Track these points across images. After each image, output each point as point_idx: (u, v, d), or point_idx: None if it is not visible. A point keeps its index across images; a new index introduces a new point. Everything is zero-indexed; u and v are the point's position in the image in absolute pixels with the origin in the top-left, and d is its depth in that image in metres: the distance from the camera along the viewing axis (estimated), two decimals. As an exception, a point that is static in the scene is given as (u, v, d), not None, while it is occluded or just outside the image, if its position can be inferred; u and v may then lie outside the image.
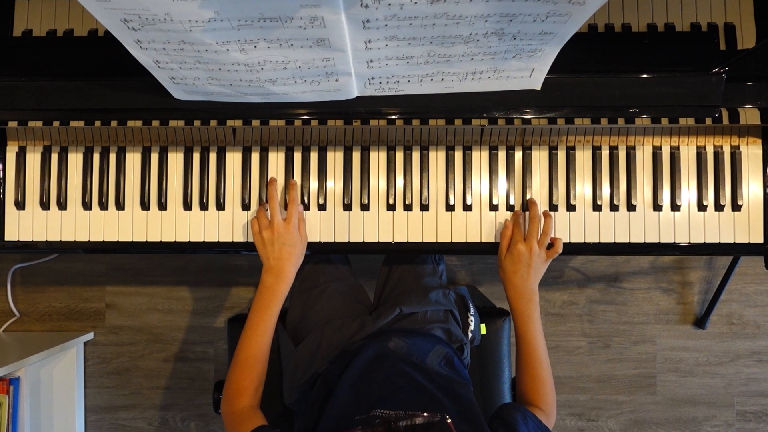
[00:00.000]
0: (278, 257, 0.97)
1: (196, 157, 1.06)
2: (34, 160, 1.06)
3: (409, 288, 1.15)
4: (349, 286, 1.20)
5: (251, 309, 0.98)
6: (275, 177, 1.03)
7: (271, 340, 0.97)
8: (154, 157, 1.06)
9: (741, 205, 1.03)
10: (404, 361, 0.93)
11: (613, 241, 1.04)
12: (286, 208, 1.00)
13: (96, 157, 1.06)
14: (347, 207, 1.05)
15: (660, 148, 1.04)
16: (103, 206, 1.06)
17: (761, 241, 1.03)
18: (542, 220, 1.01)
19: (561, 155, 1.04)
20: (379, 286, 1.21)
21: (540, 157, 1.05)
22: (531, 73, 0.87)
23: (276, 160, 1.05)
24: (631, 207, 1.04)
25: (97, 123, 0.96)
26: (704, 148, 1.04)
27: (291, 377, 1.07)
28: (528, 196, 1.04)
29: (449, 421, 0.73)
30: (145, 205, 1.06)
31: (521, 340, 1.00)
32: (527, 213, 1.03)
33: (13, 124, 0.98)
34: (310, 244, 1.04)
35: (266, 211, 1.01)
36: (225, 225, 1.05)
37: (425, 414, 0.76)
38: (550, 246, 1.01)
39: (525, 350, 0.99)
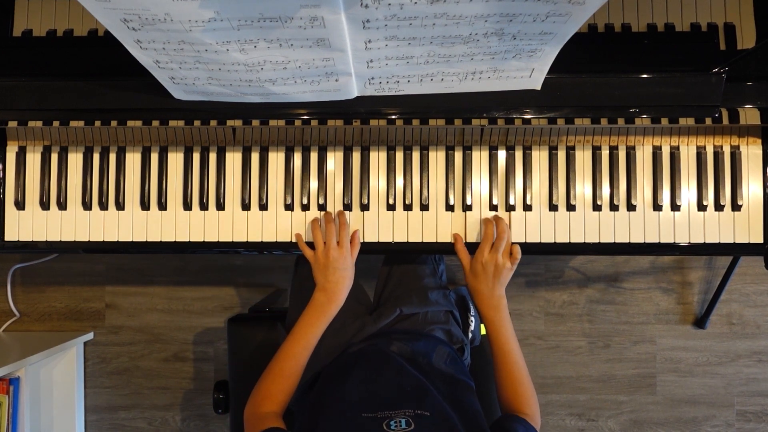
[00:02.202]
0: (334, 280, 0.99)
1: (196, 157, 1.06)
2: (34, 160, 1.06)
3: (409, 289, 1.15)
4: (349, 286, 1.20)
5: (297, 322, 1.00)
6: (329, 213, 1.04)
7: (308, 357, 0.98)
8: (154, 157, 1.06)
9: (741, 205, 1.03)
10: (410, 363, 0.93)
11: (613, 241, 1.04)
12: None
13: (96, 157, 1.06)
14: (347, 207, 1.05)
15: (660, 148, 1.04)
16: (103, 206, 1.06)
17: (761, 241, 1.03)
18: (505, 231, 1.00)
19: (561, 155, 1.04)
20: (379, 287, 1.21)
21: (540, 157, 1.04)
22: (531, 73, 0.87)
23: (276, 160, 1.05)
24: (631, 207, 1.04)
25: (97, 123, 0.96)
26: (704, 148, 1.04)
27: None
28: (528, 196, 1.04)
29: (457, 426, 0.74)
30: (145, 205, 1.06)
31: (496, 346, 0.99)
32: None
33: (13, 124, 0.98)
34: (311, 244, 1.04)
35: (320, 236, 1.02)
36: (225, 225, 1.05)
37: (428, 413, 0.76)
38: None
39: (500, 355, 0.98)
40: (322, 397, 0.90)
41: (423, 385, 0.86)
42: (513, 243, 1.01)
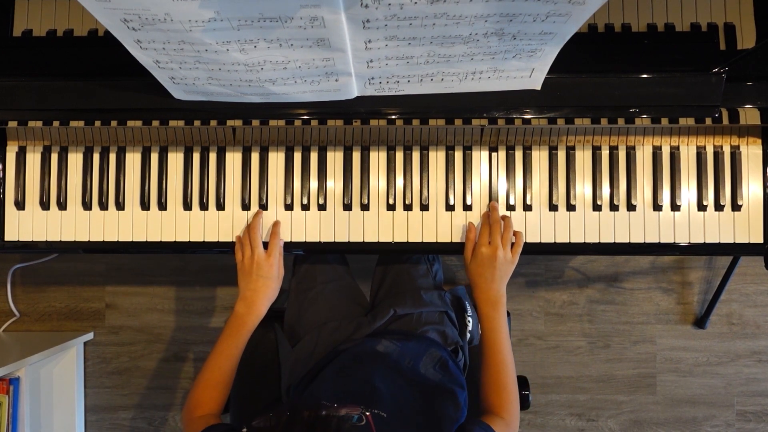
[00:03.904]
0: (255, 288, 0.98)
1: (196, 157, 1.06)
2: (34, 160, 1.06)
3: (403, 289, 1.14)
4: (346, 286, 1.20)
5: (221, 334, 0.99)
6: (261, 211, 1.04)
7: (236, 366, 0.98)
8: (154, 157, 1.06)
9: (741, 205, 1.03)
10: (393, 364, 0.93)
11: (613, 241, 1.04)
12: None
13: (96, 157, 1.06)
14: (347, 207, 1.05)
15: (660, 148, 1.04)
16: (103, 206, 1.06)
17: (761, 241, 1.03)
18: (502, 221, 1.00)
19: (561, 155, 1.04)
20: (374, 287, 1.21)
21: (540, 157, 1.05)
22: (531, 73, 0.87)
23: (276, 160, 1.05)
24: (631, 207, 1.04)
25: (97, 123, 0.96)
26: (704, 148, 1.04)
27: (289, 377, 1.07)
28: (528, 196, 1.04)
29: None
30: (145, 205, 1.06)
31: (487, 344, 0.97)
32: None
33: (13, 124, 0.98)
34: (311, 245, 1.04)
35: (248, 241, 1.01)
36: (225, 225, 1.05)
37: (384, 414, 0.76)
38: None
39: (490, 354, 0.97)
40: (304, 387, 0.90)
41: (398, 388, 0.86)
42: (515, 231, 1.01)
